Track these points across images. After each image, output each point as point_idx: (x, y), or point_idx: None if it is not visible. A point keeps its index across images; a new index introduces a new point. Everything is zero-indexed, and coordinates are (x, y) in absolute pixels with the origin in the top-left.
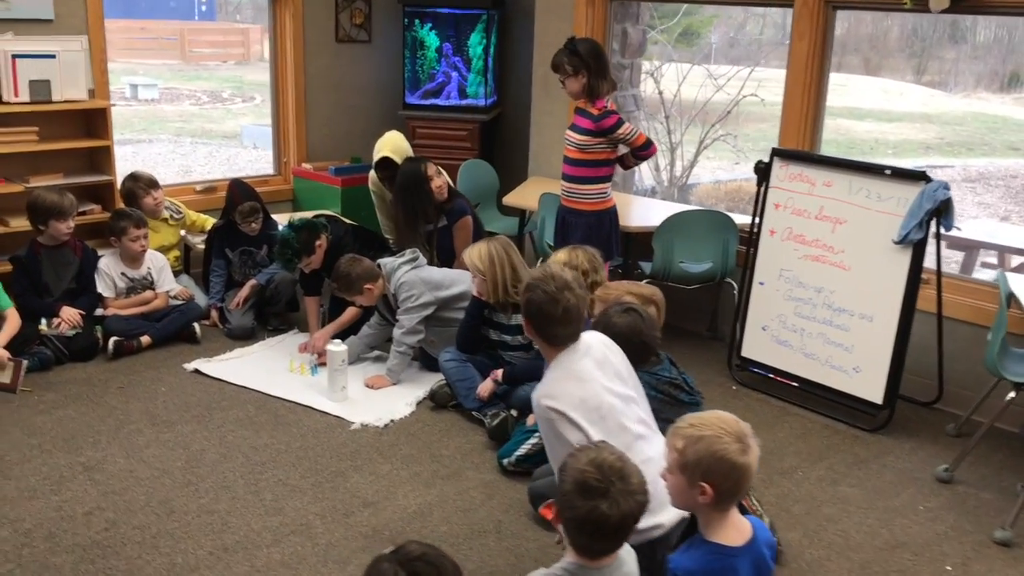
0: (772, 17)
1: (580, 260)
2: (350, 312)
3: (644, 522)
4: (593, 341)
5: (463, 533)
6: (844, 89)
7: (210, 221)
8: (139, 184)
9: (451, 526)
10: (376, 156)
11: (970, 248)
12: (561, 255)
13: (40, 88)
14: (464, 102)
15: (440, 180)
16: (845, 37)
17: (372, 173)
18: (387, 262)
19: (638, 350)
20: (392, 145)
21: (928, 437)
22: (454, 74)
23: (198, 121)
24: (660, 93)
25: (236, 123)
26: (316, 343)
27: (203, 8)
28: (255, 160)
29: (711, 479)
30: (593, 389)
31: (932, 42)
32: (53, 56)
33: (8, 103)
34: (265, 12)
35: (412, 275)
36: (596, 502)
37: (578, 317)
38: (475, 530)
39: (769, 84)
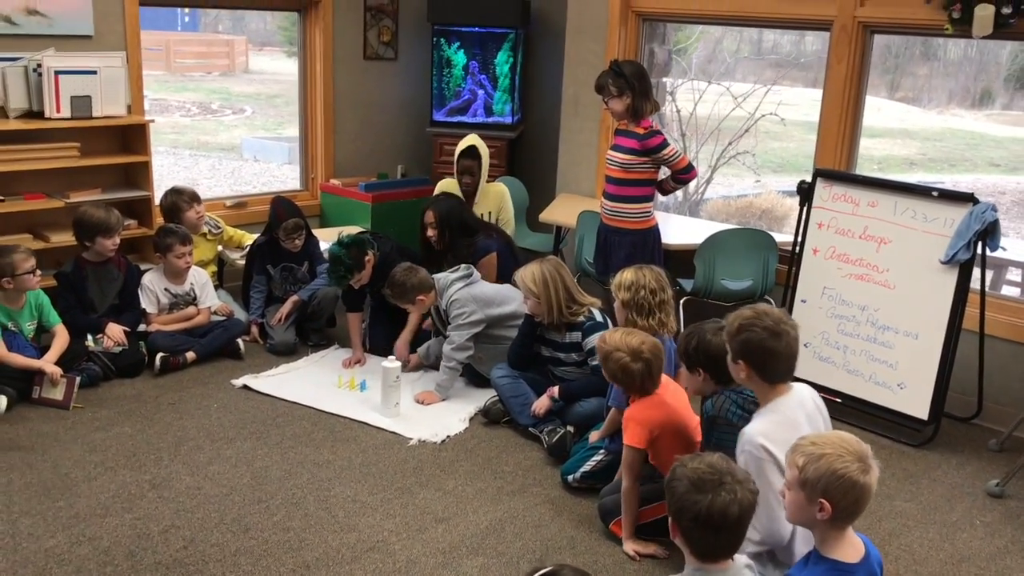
0: (748, 34)
1: (647, 279)
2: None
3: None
4: (806, 395)
5: (538, 549)
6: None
7: (248, 237)
8: (183, 197)
9: (525, 542)
10: (462, 146)
11: (999, 267)
12: (628, 274)
13: (81, 104)
14: (490, 119)
15: (432, 231)
16: (821, 52)
17: (441, 183)
18: (441, 277)
19: (729, 370)
20: (476, 139)
21: (972, 452)
22: (480, 92)
23: (192, 133)
24: (678, 111)
25: (230, 135)
26: (400, 353)
27: (186, 19)
28: (260, 173)
29: (830, 496)
30: None
31: (905, 59)
32: (94, 72)
33: (50, 119)
34: (244, 23)
35: (464, 292)
36: (714, 494)
37: (796, 350)
38: (549, 546)
39: (786, 102)
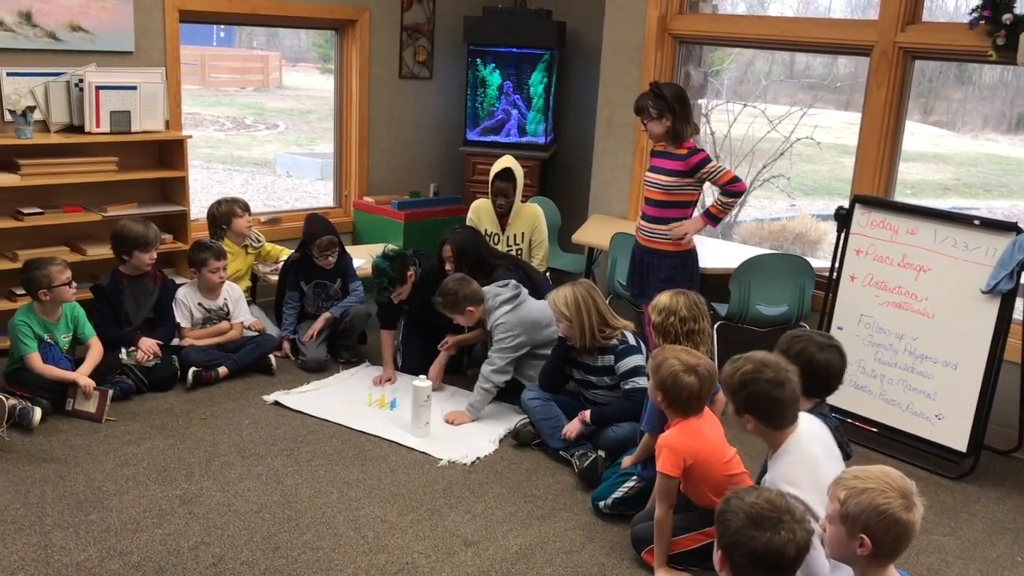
0: (780, 56)
1: (680, 306)
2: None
3: None
4: (814, 427)
5: None
6: (858, 128)
7: (285, 252)
8: (238, 205)
9: (555, 568)
10: (497, 168)
11: None
12: (664, 297)
13: (120, 119)
14: (524, 139)
15: (449, 265)
16: (855, 76)
17: (475, 203)
18: (490, 295)
19: (822, 389)
20: (512, 160)
21: (1013, 486)
22: (514, 112)
23: (226, 147)
24: (712, 133)
25: (263, 150)
26: (434, 377)
27: (221, 34)
28: (293, 189)
29: (871, 532)
30: (824, 475)
31: (939, 82)
32: (134, 88)
33: (90, 133)
34: (278, 39)
35: (511, 317)
36: (773, 532)
37: (800, 392)
38: (580, 573)
39: (819, 125)
